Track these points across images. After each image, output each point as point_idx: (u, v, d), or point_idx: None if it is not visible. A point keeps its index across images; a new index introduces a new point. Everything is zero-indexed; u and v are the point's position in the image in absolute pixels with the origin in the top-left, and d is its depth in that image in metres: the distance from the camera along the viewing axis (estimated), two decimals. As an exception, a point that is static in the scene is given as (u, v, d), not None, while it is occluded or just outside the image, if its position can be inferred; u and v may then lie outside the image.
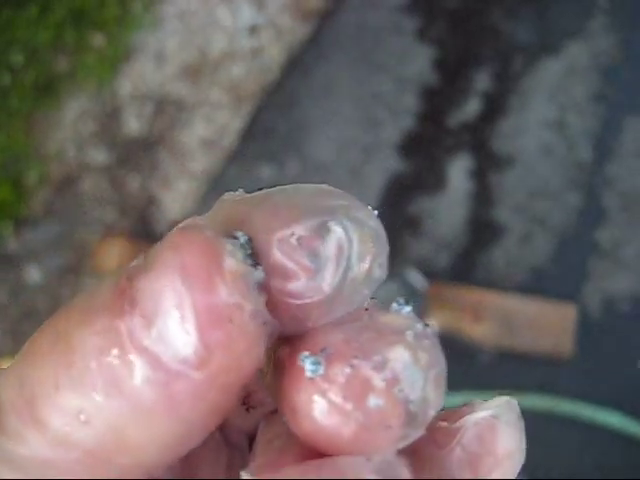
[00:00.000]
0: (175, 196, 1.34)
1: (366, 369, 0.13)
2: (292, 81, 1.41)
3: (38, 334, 0.14)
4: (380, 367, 0.13)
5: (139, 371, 0.12)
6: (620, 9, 1.43)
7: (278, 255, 0.13)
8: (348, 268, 0.13)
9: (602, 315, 1.25)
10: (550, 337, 1.21)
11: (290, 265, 0.13)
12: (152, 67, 1.40)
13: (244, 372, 0.13)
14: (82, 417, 0.13)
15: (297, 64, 1.41)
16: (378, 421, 0.13)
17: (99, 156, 1.36)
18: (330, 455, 0.13)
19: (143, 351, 0.12)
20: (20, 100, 1.36)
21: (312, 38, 1.43)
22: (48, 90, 1.37)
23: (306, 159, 1.36)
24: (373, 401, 0.13)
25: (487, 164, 1.35)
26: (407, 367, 0.13)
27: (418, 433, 0.13)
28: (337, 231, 0.13)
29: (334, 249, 0.13)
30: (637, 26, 1.43)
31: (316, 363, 0.13)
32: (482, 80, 1.40)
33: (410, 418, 0.13)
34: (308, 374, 0.13)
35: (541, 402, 1.16)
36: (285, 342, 0.14)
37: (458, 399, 1.14)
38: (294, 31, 1.43)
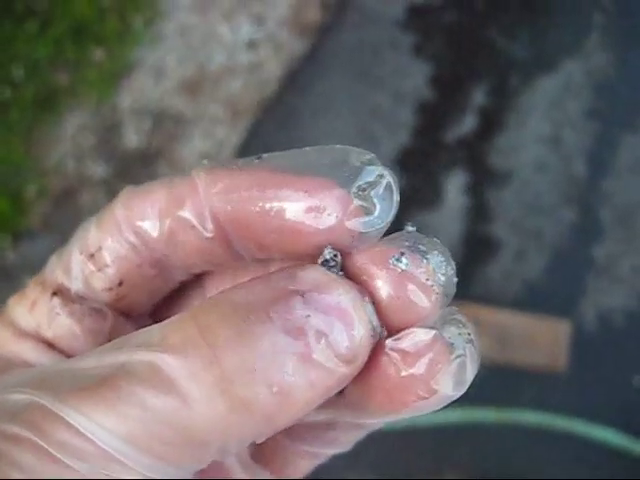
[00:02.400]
0: (173, 210, 1.34)
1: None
2: (290, 96, 1.42)
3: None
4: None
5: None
6: (615, 27, 1.44)
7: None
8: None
9: (597, 330, 1.26)
10: (544, 352, 1.21)
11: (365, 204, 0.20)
12: (152, 82, 1.41)
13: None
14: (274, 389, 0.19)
15: (295, 79, 1.43)
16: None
17: (98, 170, 1.37)
18: None
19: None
20: (20, 114, 1.37)
21: (310, 53, 1.44)
22: (48, 104, 1.38)
23: (303, 173, 1.37)
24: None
25: (483, 179, 1.36)
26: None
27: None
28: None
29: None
30: (632, 44, 1.44)
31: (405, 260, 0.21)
32: (478, 96, 1.41)
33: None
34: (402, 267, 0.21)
35: (535, 417, 1.16)
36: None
37: (454, 414, 1.14)
38: (292, 46, 1.44)
